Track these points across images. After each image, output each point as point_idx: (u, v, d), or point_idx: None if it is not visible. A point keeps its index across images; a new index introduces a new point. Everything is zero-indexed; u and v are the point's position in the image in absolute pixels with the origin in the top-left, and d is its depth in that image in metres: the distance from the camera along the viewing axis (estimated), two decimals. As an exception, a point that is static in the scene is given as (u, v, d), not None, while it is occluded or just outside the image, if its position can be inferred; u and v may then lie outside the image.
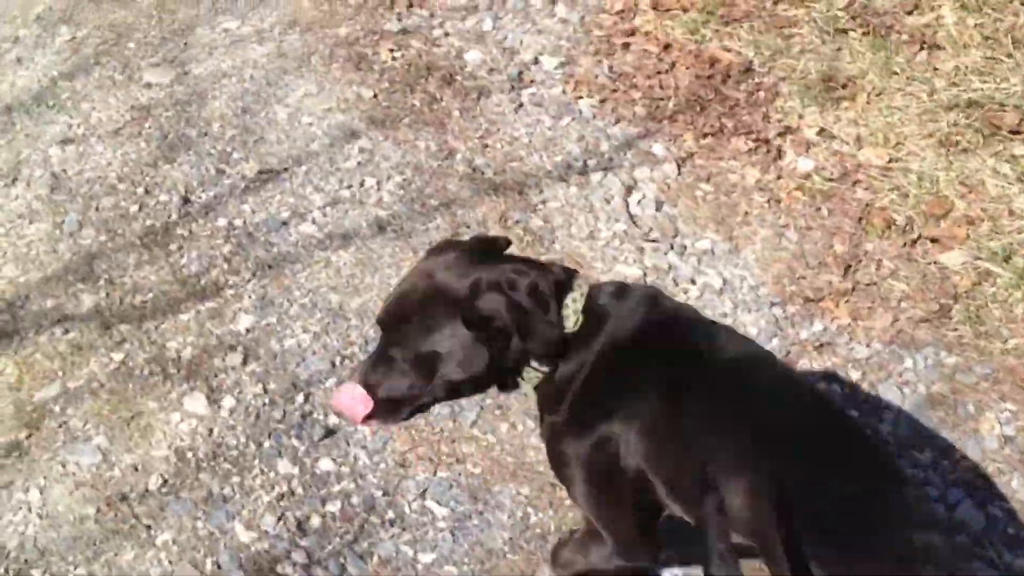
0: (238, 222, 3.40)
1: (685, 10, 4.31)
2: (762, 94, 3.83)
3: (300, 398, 2.81)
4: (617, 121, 3.88)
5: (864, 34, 3.98)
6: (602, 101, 3.99)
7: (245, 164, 3.64)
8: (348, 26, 4.43)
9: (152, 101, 3.96)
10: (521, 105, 4.01)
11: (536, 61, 4.26)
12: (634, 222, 3.41)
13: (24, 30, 4.46)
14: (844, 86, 3.74)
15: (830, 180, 3.43)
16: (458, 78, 4.14)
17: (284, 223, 3.38)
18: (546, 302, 1.85)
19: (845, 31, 4.03)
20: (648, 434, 1.80)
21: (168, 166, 3.64)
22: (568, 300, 1.90)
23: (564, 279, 1.92)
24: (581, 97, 4.03)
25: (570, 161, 3.71)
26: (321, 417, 2.76)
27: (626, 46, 4.22)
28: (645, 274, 3.20)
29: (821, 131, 3.62)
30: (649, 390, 1.82)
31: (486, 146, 3.78)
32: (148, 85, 4.05)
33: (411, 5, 4.64)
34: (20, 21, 4.52)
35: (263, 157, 3.67)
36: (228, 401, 2.80)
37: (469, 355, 1.86)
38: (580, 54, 4.26)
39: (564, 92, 4.06)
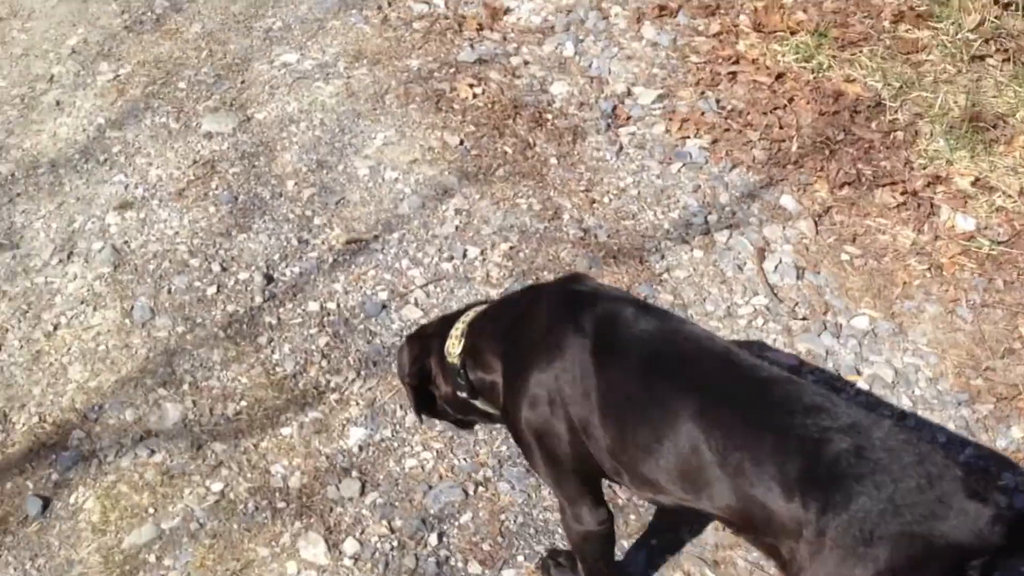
0: (331, 305, 2.96)
1: (793, 32, 3.84)
2: (900, 134, 3.38)
3: (433, 539, 2.38)
4: (734, 166, 3.43)
5: (1004, 61, 3.53)
6: (713, 142, 3.54)
7: (329, 232, 3.18)
8: (419, 57, 3.95)
9: (215, 154, 3.49)
10: (621, 148, 3.55)
11: (629, 93, 3.80)
12: (775, 294, 2.98)
13: (59, 67, 3.97)
14: (994, 125, 3.30)
15: (999, 243, 3.00)
16: (548, 116, 3.68)
17: (383, 306, 2.94)
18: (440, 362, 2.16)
19: (981, 57, 3.58)
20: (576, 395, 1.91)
21: (243, 236, 3.18)
22: (453, 335, 2.13)
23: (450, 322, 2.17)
24: (688, 137, 3.57)
25: (688, 217, 3.27)
26: (461, 565, 2.34)
27: (732, 76, 3.75)
28: (801, 363, 2.77)
29: (976, 181, 3.18)
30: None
31: (593, 201, 3.33)
32: (208, 135, 3.57)
33: (481, 28, 4.16)
34: (53, 56, 4.03)
35: (348, 223, 3.22)
36: (350, 545, 2.37)
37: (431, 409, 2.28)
38: (679, 85, 3.80)
39: (667, 131, 3.61)
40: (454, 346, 2.10)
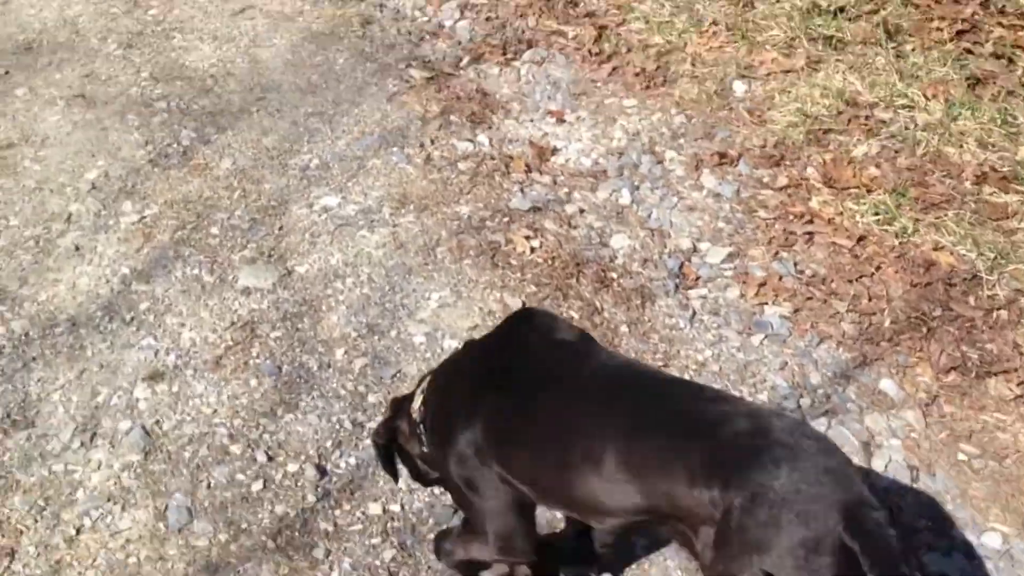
0: (395, 508, 2.57)
1: (869, 190, 3.59)
2: (1002, 313, 3.10)
3: None
4: (821, 340, 3.12)
5: (1103, 233, 3.29)
6: (795, 311, 3.23)
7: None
8: (468, 202, 3.64)
9: (254, 314, 3.13)
10: (695, 314, 3.24)
11: (695, 249, 3.51)
12: (898, 505, 2.64)
13: (77, 204, 3.61)
14: (1107, 308, 3.03)
15: None
16: (612, 275, 3.37)
17: (453, 508, 2.57)
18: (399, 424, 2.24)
19: (1077, 227, 3.33)
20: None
21: (290, 416, 2.81)
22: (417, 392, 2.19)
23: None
24: (766, 304, 3.27)
25: (779, 400, 2.94)
26: None
27: (808, 237, 3.47)
28: (933, 588, 2.43)
29: (1097, 372, 2.90)
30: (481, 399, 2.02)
31: (674, 379, 2.99)
32: (246, 290, 3.22)
33: (529, 170, 3.88)
34: (71, 192, 3.67)
35: (408, 403, 2.86)
36: None
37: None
38: (748, 242, 3.51)
39: (743, 296, 3.31)
40: (416, 401, 2.17)
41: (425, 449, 2.16)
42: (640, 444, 1.79)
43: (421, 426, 2.15)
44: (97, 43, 4.65)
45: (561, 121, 4.22)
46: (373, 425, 2.76)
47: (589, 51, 4.61)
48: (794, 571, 1.58)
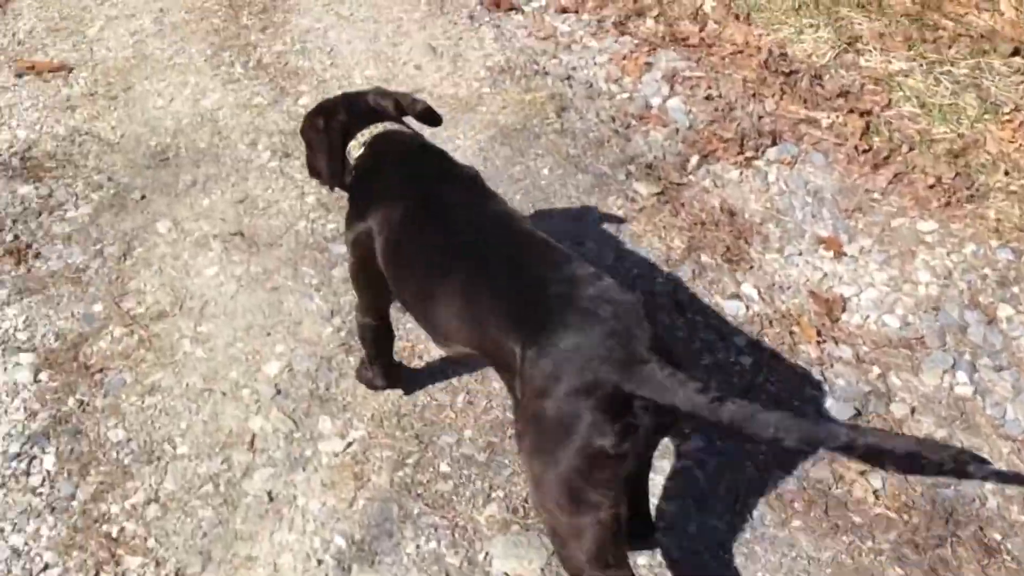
0: None
1: None
2: None
3: None
4: None
5: None
6: None
7: None
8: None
9: (528, 629, 2.22)
10: None
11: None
12: None
13: (261, 419, 2.70)
14: None
15: None
16: (994, 537, 2.39)
17: None
18: (334, 132, 2.42)
19: None
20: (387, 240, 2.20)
21: None
22: (359, 135, 2.40)
23: (365, 119, 2.44)
24: None
25: None
26: None
27: None
28: None
29: None
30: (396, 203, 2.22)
31: None
32: (509, 584, 2.30)
33: (821, 339, 2.89)
34: (249, 397, 2.77)
35: None
36: None
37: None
38: None
39: None
40: (356, 149, 2.41)
41: (346, 180, 2.42)
42: (477, 291, 1.96)
43: (354, 171, 2.40)
44: (245, 149, 3.73)
45: (840, 255, 3.21)
46: None
47: (855, 148, 3.56)
48: (564, 412, 1.74)
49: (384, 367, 2.58)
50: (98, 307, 3.05)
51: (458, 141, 3.71)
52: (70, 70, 4.20)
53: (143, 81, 4.11)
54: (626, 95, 4.01)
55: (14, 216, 3.42)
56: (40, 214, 3.44)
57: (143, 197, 3.50)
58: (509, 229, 2.07)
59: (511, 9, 4.61)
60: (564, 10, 4.57)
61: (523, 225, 2.10)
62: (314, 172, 2.56)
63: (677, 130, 3.79)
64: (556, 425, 1.74)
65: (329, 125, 2.41)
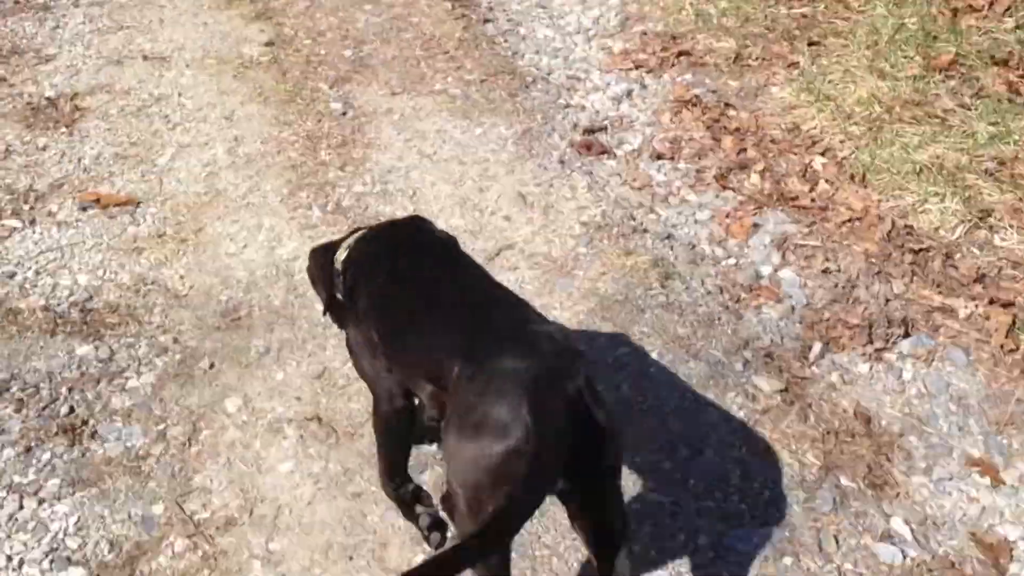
0: None
1: None
2: None
3: None
4: None
5: None
6: None
7: None
8: None
9: None
10: None
11: None
12: None
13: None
14: None
15: None
16: None
17: None
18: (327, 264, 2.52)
19: None
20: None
21: None
22: (341, 246, 2.51)
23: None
24: None
25: None
26: None
27: None
28: None
29: None
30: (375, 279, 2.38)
31: None
32: None
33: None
34: None
35: None
36: None
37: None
38: None
39: None
40: (342, 253, 2.48)
41: (339, 295, 2.48)
42: (435, 330, 2.17)
43: (341, 276, 2.45)
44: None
45: (997, 482, 2.79)
46: None
47: (1001, 347, 3.15)
48: (488, 423, 1.87)
49: (400, 478, 2.55)
50: (158, 508, 2.68)
51: (555, 312, 3.35)
52: (137, 204, 3.91)
53: (215, 222, 3.80)
54: (732, 261, 3.65)
55: (71, 382, 3.08)
56: (99, 381, 3.10)
57: (212, 366, 3.15)
58: (471, 287, 2.27)
59: (603, 153, 4.30)
60: (659, 156, 4.25)
61: (485, 283, 2.30)
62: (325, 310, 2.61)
63: (793, 308, 3.41)
64: (476, 432, 1.89)
65: (325, 258, 2.52)
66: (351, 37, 5.22)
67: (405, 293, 2.28)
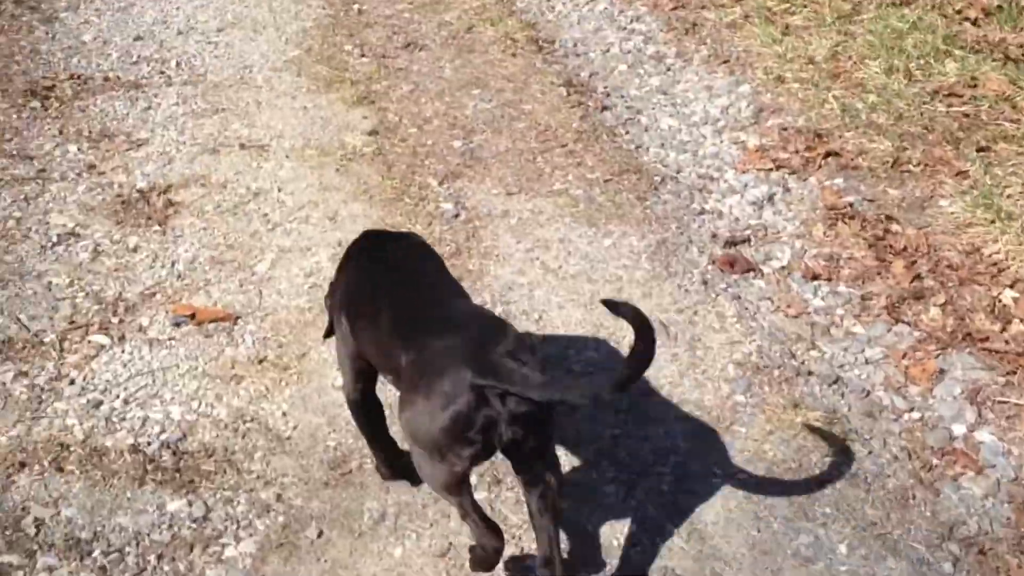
0: None
1: None
2: None
3: None
4: None
5: None
6: None
7: None
8: None
9: None
10: None
11: None
12: None
13: None
14: None
15: None
16: None
17: None
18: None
19: None
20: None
21: None
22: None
23: None
24: None
25: None
26: None
27: None
28: None
29: None
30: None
31: None
32: None
33: None
34: None
35: None
36: None
37: None
38: None
39: None
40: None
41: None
42: (386, 324, 2.45)
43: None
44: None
45: None
46: None
47: None
48: (430, 396, 2.20)
49: (385, 453, 2.80)
50: None
51: (715, 479, 2.87)
52: (235, 320, 3.54)
53: (319, 345, 3.40)
54: (917, 415, 3.15)
55: (160, 547, 2.69)
56: (192, 547, 2.70)
57: (320, 534, 2.74)
58: (420, 280, 2.59)
59: (749, 271, 3.84)
60: (814, 276, 3.77)
61: (433, 277, 2.63)
62: None
63: (999, 482, 2.89)
64: (423, 408, 2.20)
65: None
66: (459, 126, 4.85)
67: (365, 292, 2.59)
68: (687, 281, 3.76)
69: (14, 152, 4.49)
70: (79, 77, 5.20)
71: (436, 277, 2.62)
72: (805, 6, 5.71)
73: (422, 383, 2.21)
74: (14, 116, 4.80)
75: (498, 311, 3.60)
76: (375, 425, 2.75)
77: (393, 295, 2.50)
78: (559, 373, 3.23)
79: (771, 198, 4.30)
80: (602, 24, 5.93)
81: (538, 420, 2.19)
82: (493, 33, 5.75)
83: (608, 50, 5.64)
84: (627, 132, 4.86)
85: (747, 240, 4.05)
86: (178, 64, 5.39)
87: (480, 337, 2.23)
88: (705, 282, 3.75)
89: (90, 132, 4.72)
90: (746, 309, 3.62)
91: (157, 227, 4.04)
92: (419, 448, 2.27)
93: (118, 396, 3.20)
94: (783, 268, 3.87)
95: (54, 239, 3.93)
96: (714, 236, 4.05)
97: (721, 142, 4.76)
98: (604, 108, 5.06)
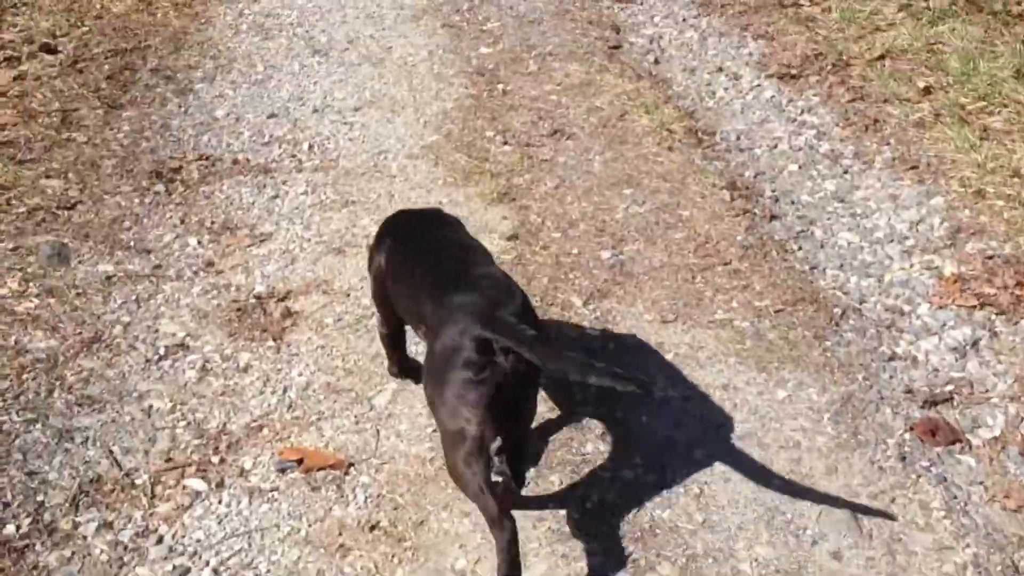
0: None
1: None
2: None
3: None
4: None
5: None
6: None
7: None
8: None
9: None
10: None
11: None
12: None
13: None
14: None
15: None
16: None
17: None
18: None
19: None
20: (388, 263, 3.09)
21: None
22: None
23: None
24: None
25: None
26: None
27: None
28: None
29: None
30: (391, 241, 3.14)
31: None
32: None
33: None
34: None
35: None
36: None
37: None
38: None
39: None
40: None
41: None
42: (420, 283, 2.87)
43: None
44: None
45: None
46: None
47: None
48: (447, 346, 2.56)
49: (399, 362, 3.37)
50: None
51: None
52: (348, 468, 3.09)
53: (441, 511, 2.92)
54: None
55: None
56: None
57: None
58: (449, 247, 3.03)
59: (955, 442, 3.17)
60: (1036, 457, 3.06)
61: (464, 242, 3.11)
62: None
63: None
64: (441, 356, 2.56)
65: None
66: (608, 232, 4.35)
67: (404, 257, 3.01)
68: (880, 455, 3.13)
69: (131, 243, 4.21)
70: (208, 158, 4.93)
71: (463, 244, 3.07)
72: (1005, 105, 5.01)
73: (442, 330, 2.59)
74: (136, 201, 4.54)
75: (651, 479, 3.05)
76: (397, 345, 3.32)
77: (425, 259, 2.95)
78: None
79: (975, 344, 3.63)
80: (768, 115, 5.35)
81: (529, 380, 2.59)
82: (647, 122, 5.24)
83: (776, 146, 5.06)
84: (799, 248, 4.26)
85: (949, 399, 3.38)
86: (310, 147, 5.07)
87: (493, 297, 2.63)
88: (903, 457, 3.11)
89: (212, 223, 4.41)
90: (955, 497, 2.97)
91: (272, 342, 3.66)
92: (438, 402, 2.56)
93: (208, 563, 2.79)
94: (995, 440, 3.20)
95: (161, 351, 3.59)
96: (909, 392, 3.40)
97: (911, 266, 4.10)
98: (773, 217, 4.48)
